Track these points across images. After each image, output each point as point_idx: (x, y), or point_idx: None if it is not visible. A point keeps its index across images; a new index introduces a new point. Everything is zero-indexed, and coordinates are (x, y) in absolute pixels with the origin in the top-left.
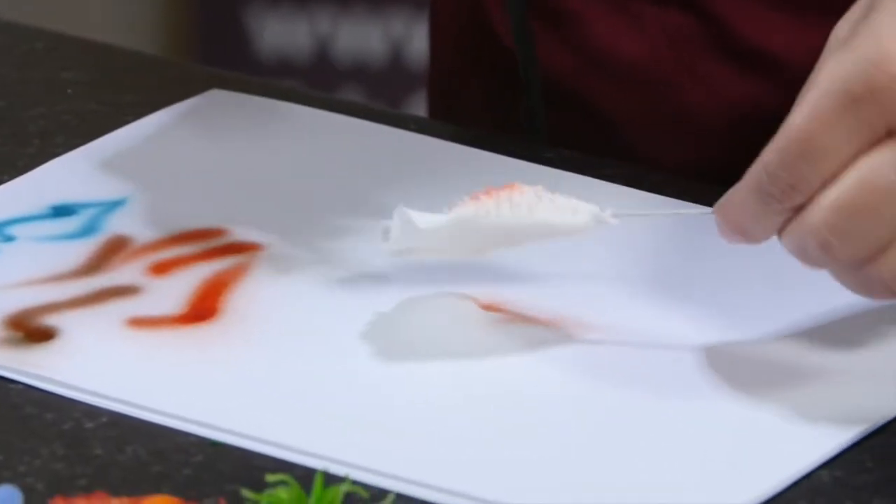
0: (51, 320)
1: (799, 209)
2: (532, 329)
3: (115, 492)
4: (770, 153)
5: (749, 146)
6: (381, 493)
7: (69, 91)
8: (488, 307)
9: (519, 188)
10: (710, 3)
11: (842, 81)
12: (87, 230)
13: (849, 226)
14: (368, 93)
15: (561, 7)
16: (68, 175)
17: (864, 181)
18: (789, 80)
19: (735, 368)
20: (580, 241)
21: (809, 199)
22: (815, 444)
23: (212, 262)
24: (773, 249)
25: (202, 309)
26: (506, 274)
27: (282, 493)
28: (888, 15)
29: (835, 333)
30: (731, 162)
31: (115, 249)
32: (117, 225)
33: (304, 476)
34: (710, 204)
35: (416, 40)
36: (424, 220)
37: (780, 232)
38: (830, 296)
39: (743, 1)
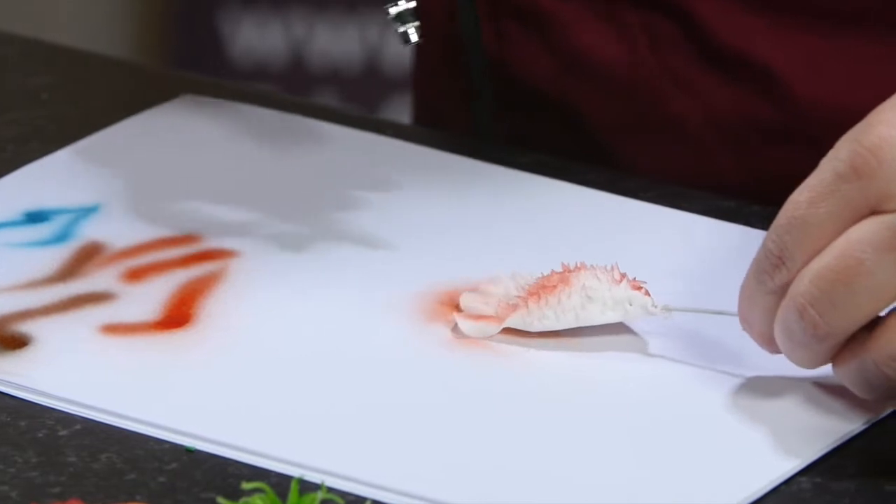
0: (24, 327)
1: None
2: (511, 335)
3: (90, 499)
4: (770, 229)
5: (734, 155)
6: (357, 499)
7: (43, 96)
8: (463, 312)
9: (569, 287)
10: (691, 8)
11: (833, 161)
12: (60, 236)
13: (824, 296)
14: (344, 97)
15: (540, 10)
16: (42, 181)
17: (842, 254)
18: (772, 87)
19: (717, 374)
20: (573, 249)
21: (795, 275)
22: (795, 449)
23: (186, 268)
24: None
25: (177, 315)
26: (486, 275)
27: (257, 500)
28: (892, 105)
29: None
30: (716, 171)
31: (89, 256)
32: (91, 231)
33: (279, 484)
34: (689, 207)
35: (392, 45)
36: (473, 329)
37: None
38: None
39: (724, 6)
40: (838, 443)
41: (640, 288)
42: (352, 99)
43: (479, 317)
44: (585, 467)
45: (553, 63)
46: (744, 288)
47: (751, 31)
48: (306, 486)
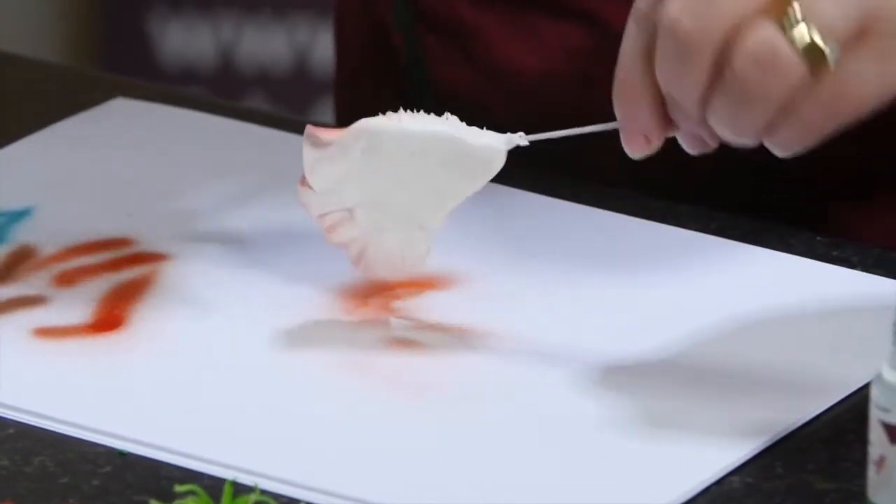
0: None
1: None
2: (440, 336)
3: (22, 502)
4: None
5: (654, 163)
6: (290, 501)
7: None
8: (396, 315)
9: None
10: (606, 19)
11: None
12: None
13: (691, 2)
14: (272, 100)
15: (458, 22)
16: None
17: None
18: None
19: (646, 374)
20: (496, 249)
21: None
22: (726, 450)
23: (118, 272)
24: (690, 255)
25: (109, 319)
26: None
27: (190, 502)
28: None
29: (745, 341)
30: (641, 176)
31: (20, 259)
32: (23, 235)
33: (212, 486)
34: (623, 209)
35: (321, 47)
36: (330, 134)
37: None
38: (741, 303)
39: None
40: (769, 443)
41: None
42: (280, 101)
43: (329, 129)
44: (515, 468)
45: (472, 75)
46: (622, 52)
47: None
48: (239, 489)
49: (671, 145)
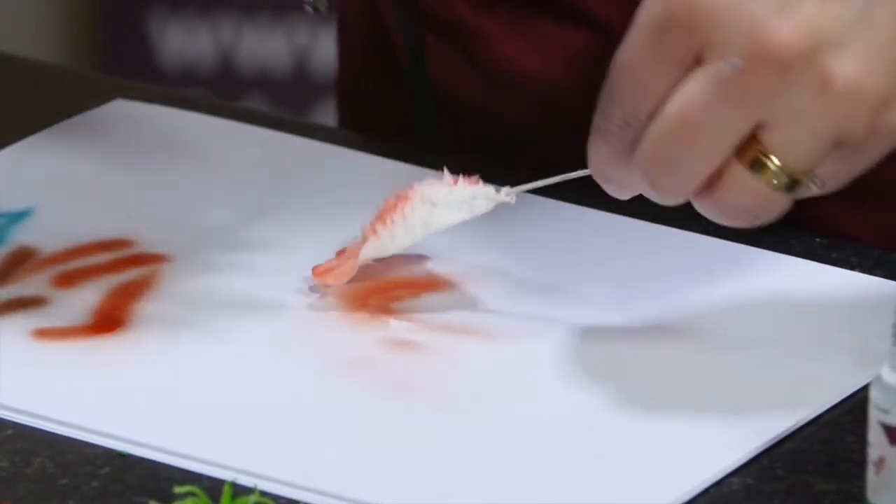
0: None
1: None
2: (440, 337)
3: None
4: (602, 93)
5: None
6: (289, 502)
7: None
8: (394, 313)
9: (409, 201)
10: (607, 21)
11: (650, 14)
12: None
13: (669, 158)
14: (273, 101)
15: (458, 22)
16: None
17: (678, 115)
18: None
19: (646, 375)
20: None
21: (641, 132)
22: (725, 451)
23: (118, 273)
24: (684, 251)
25: (108, 320)
26: (417, 274)
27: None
28: None
29: (746, 341)
30: None
31: (20, 261)
32: (22, 236)
33: (211, 487)
34: (623, 210)
35: (321, 49)
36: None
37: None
38: (740, 305)
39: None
40: (769, 444)
41: (477, 182)
42: (281, 103)
43: (331, 268)
44: (515, 467)
45: (473, 76)
46: (596, 150)
47: None
48: (239, 490)
49: None
